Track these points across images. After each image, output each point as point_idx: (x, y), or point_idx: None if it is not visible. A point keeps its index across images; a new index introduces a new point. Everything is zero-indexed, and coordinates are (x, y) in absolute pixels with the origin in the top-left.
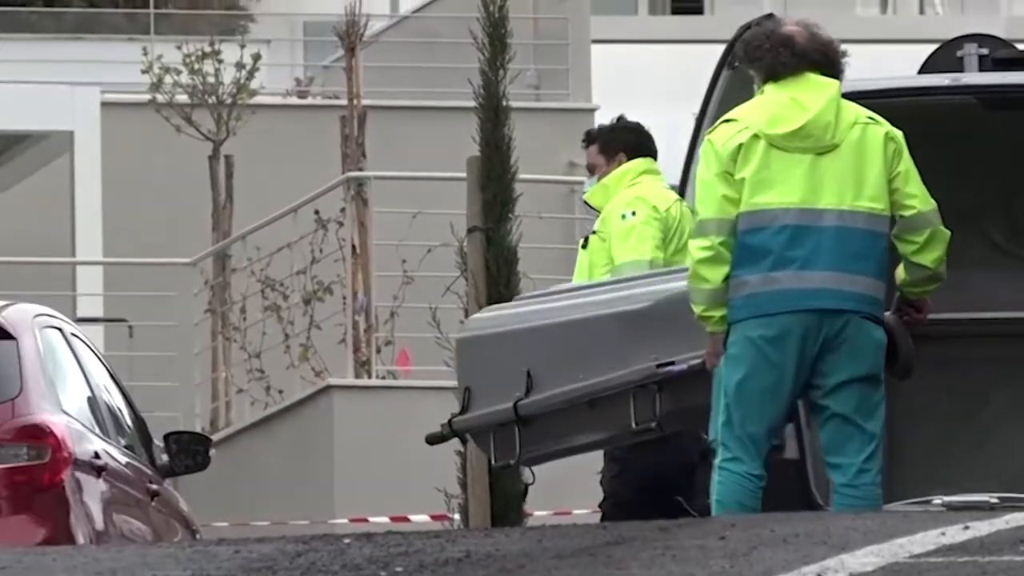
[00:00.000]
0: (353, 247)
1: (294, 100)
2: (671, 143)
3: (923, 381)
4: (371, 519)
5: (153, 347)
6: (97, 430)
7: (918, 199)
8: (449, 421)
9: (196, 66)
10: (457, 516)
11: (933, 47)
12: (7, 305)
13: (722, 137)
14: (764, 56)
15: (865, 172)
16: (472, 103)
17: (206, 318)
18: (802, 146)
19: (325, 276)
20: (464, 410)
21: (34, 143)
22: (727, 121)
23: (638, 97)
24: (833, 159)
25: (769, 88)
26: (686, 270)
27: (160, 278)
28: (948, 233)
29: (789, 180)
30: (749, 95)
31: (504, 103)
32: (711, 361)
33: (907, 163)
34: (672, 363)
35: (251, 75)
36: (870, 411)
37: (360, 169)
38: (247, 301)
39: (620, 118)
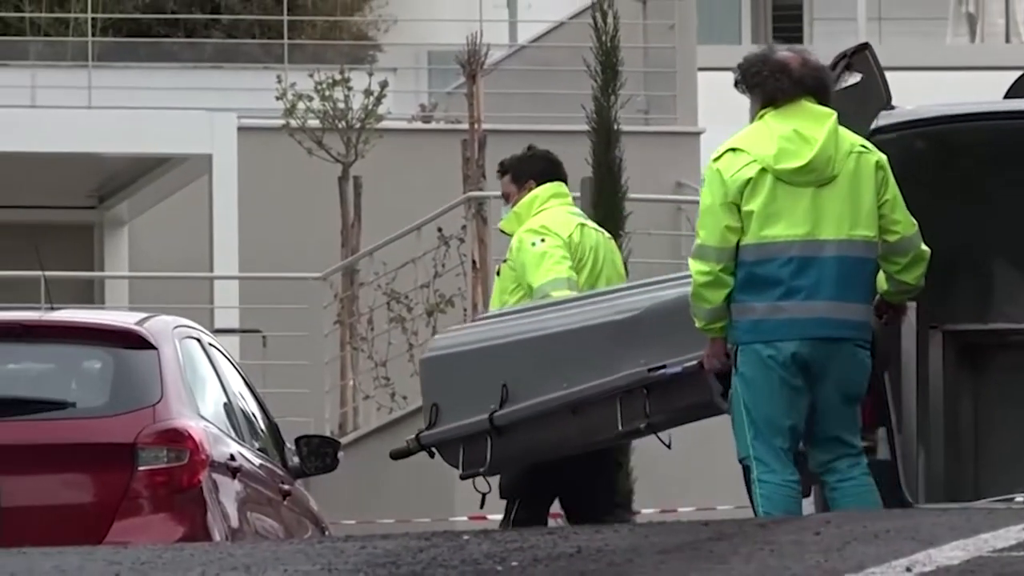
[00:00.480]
0: (473, 262)
1: (419, 125)
2: None
3: (1007, 387)
4: (489, 517)
5: (286, 356)
6: (233, 434)
7: (902, 224)
8: (417, 436)
9: (327, 93)
10: None
11: (1018, 73)
12: (149, 317)
13: (730, 168)
14: (764, 82)
15: (860, 202)
16: (585, 127)
17: (335, 329)
18: (806, 180)
19: (447, 290)
20: (431, 425)
21: (175, 165)
22: (733, 150)
23: (741, 121)
24: (832, 190)
25: (770, 116)
26: (662, 282)
27: (292, 292)
28: (928, 251)
29: (795, 213)
30: (845, 120)
31: (615, 127)
32: (710, 363)
33: (893, 189)
34: (663, 367)
35: (379, 101)
36: (853, 427)
37: (480, 189)
38: (374, 313)
39: (530, 147)
